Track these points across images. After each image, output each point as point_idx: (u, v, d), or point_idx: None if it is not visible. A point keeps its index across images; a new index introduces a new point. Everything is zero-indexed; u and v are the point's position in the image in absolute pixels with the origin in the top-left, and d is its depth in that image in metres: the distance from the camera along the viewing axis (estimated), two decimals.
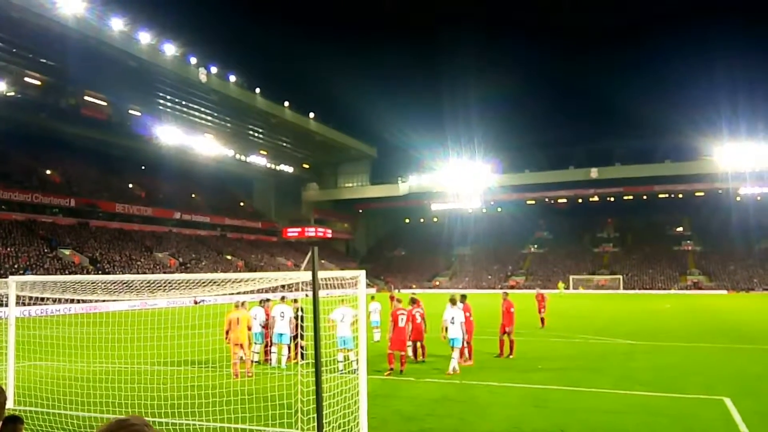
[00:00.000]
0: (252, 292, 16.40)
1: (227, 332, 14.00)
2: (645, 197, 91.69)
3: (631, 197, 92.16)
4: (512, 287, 67.74)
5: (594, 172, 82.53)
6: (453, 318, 14.61)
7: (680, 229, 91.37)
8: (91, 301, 32.72)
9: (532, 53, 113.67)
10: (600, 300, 55.25)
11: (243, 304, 14.81)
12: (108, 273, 49.03)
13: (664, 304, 45.38)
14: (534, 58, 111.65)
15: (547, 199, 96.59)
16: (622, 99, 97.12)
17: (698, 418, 10.01)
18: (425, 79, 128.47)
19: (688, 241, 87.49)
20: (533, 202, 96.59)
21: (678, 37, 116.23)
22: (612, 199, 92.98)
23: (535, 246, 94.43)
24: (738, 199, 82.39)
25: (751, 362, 16.34)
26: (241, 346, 13.85)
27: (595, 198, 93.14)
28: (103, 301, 33.46)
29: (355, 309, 10.00)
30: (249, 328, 14.57)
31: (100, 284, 13.02)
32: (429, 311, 16.94)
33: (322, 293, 7.24)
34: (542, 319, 25.61)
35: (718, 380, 13.51)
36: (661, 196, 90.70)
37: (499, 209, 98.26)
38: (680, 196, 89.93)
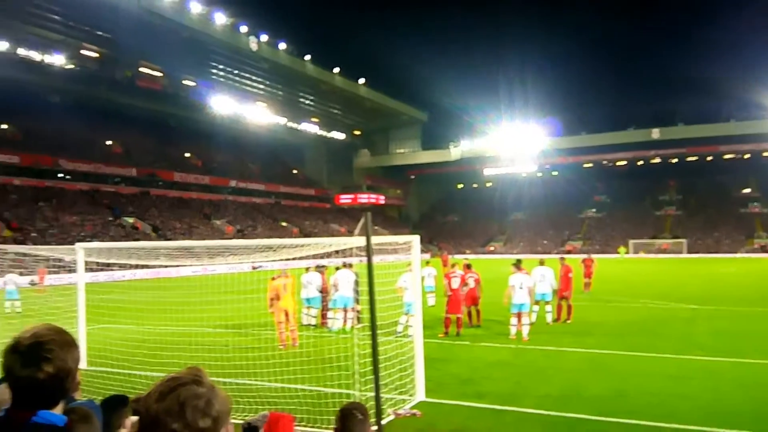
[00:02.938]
0: (307, 257, 16.60)
1: (272, 299, 13.59)
2: (709, 158, 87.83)
3: (695, 158, 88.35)
4: (569, 252, 66.56)
5: (656, 133, 79.41)
6: (522, 283, 14.30)
7: (747, 190, 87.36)
8: (154, 266, 33.94)
9: (590, 11, 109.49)
10: (661, 264, 53.84)
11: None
12: (169, 240, 50.67)
13: (728, 268, 43.86)
14: (593, 16, 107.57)
15: (605, 162, 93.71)
16: (685, 56, 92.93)
17: (761, 384, 9.69)
18: (477, 40, 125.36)
19: (755, 203, 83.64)
20: (590, 164, 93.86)
21: None
22: (675, 160, 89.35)
23: (593, 210, 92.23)
24: None
25: None
26: (287, 313, 13.51)
27: (657, 159, 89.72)
28: (166, 266, 34.73)
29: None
30: (292, 295, 14.08)
31: (162, 250, 13.48)
32: (484, 276, 16.87)
33: (375, 258, 7.27)
34: (587, 284, 25.28)
35: None
36: (726, 156, 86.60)
37: (555, 173, 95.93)
38: (746, 156, 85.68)
